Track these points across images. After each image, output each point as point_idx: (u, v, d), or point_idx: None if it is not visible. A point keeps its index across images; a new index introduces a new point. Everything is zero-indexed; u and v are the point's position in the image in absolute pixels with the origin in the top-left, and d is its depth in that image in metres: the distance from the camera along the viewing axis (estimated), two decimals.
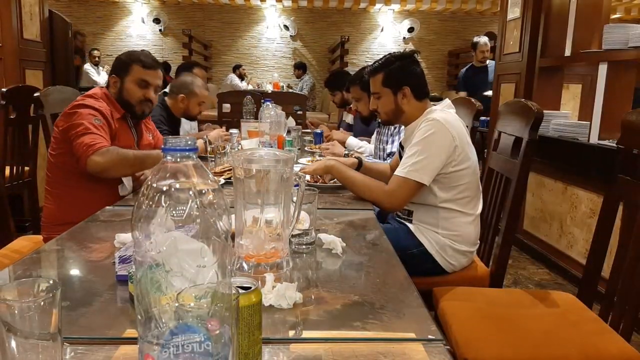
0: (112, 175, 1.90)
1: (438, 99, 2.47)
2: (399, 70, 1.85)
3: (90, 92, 2.04)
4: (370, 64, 1.99)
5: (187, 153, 0.61)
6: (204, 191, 0.61)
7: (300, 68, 8.92)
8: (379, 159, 2.79)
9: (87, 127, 1.84)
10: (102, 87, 2.13)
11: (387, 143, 2.76)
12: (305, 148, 3.17)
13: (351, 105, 3.93)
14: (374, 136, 3.08)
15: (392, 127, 2.67)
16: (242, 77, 8.76)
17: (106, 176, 1.87)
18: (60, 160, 1.95)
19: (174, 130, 3.03)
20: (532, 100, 3.39)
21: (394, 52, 1.91)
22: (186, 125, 3.44)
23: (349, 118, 4.06)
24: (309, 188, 1.26)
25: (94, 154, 1.80)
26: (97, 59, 7.87)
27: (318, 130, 3.48)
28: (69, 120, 1.88)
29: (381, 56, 1.95)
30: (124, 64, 2.06)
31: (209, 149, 2.38)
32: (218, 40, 9.40)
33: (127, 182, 1.98)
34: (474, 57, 5.70)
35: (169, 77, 6.70)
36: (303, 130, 3.56)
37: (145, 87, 2.07)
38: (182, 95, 2.92)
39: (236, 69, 8.79)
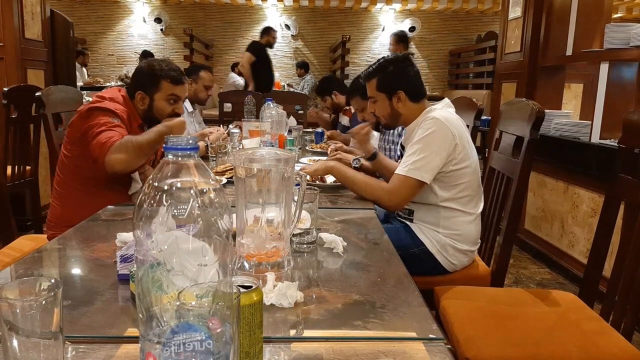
0: (134, 167, 1.82)
1: (439, 99, 2.47)
2: (393, 75, 1.85)
3: (108, 93, 1.97)
4: (370, 64, 1.99)
5: (188, 152, 0.61)
6: (205, 190, 0.61)
7: (302, 67, 8.90)
8: None
9: (102, 125, 1.79)
10: (121, 88, 2.04)
11: (393, 143, 2.76)
12: (307, 147, 3.18)
13: (347, 107, 3.96)
14: (377, 138, 3.08)
15: (400, 128, 2.67)
16: (241, 74, 8.74)
17: (129, 169, 1.80)
18: (73, 163, 1.92)
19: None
20: (534, 99, 3.38)
21: (388, 56, 1.91)
22: (191, 127, 3.43)
23: (344, 120, 4.08)
24: (310, 187, 1.26)
25: (109, 153, 1.72)
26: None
27: (319, 130, 3.49)
28: (86, 122, 1.83)
29: (379, 57, 1.95)
30: (152, 79, 1.96)
31: (209, 150, 2.39)
32: (219, 39, 9.40)
33: (137, 176, 1.97)
34: None
35: None
36: (304, 130, 3.58)
37: (175, 103, 2.01)
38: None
39: (234, 66, 8.79)
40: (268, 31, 7.02)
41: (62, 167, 1.97)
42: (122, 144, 1.74)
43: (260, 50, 6.39)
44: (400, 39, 5.55)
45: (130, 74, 2.10)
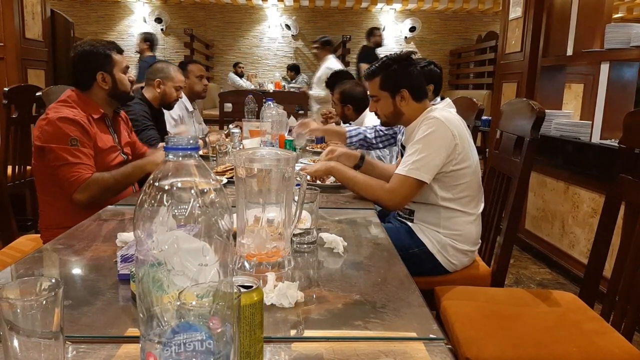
0: (100, 201, 1.82)
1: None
2: (396, 73, 1.84)
3: (63, 97, 1.94)
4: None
5: (189, 152, 0.61)
6: (205, 190, 0.61)
7: (292, 70, 8.91)
8: None
9: (63, 157, 1.78)
10: (73, 89, 1.99)
11: None
12: (307, 148, 3.18)
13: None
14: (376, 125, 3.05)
15: None
16: (240, 74, 8.75)
17: (95, 202, 1.81)
18: (41, 167, 1.88)
19: (158, 123, 2.92)
20: (534, 99, 3.40)
21: (391, 55, 1.90)
22: (191, 128, 3.42)
23: None
24: (310, 187, 1.26)
25: (76, 192, 1.77)
26: None
27: None
28: (45, 135, 1.80)
29: (381, 56, 1.94)
30: (105, 57, 1.97)
31: (209, 148, 2.39)
32: (220, 39, 9.40)
33: None
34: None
35: None
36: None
37: (127, 72, 2.05)
38: (158, 79, 2.84)
39: (234, 66, 8.80)
40: (373, 32, 7.11)
41: (35, 172, 1.94)
42: (88, 185, 1.79)
43: (373, 56, 6.37)
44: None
45: (131, 74, 2.10)
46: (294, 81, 8.87)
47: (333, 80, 4.20)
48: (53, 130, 1.79)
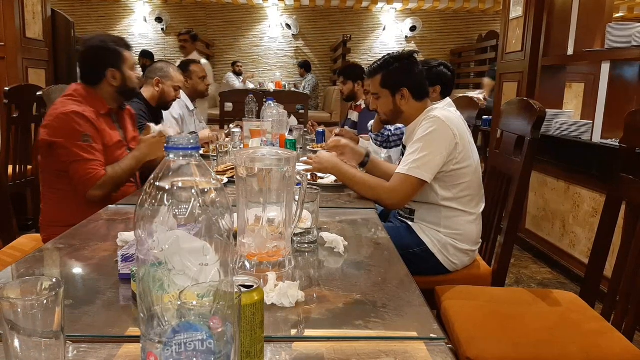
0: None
1: None
2: (397, 72, 1.84)
3: (69, 92, 1.92)
4: (371, 63, 1.98)
5: (189, 152, 0.61)
6: (206, 190, 0.61)
7: (303, 67, 8.90)
8: None
9: (76, 154, 1.78)
10: (79, 83, 1.98)
11: None
12: (308, 147, 3.18)
13: (358, 103, 3.95)
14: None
15: None
16: (239, 73, 8.74)
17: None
18: (48, 163, 1.88)
19: (155, 121, 2.85)
20: (535, 99, 3.39)
21: (393, 53, 1.90)
22: (192, 127, 3.42)
23: (354, 116, 4.06)
24: (311, 187, 1.26)
25: (92, 189, 1.80)
26: None
27: (320, 130, 3.48)
28: (53, 130, 1.79)
29: (382, 55, 1.94)
30: (115, 53, 1.96)
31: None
32: (220, 39, 9.41)
33: None
34: None
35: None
36: (304, 130, 3.58)
37: (134, 68, 2.05)
38: (157, 78, 2.82)
39: (233, 65, 8.81)
40: None
41: (41, 169, 1.94)
42: (104, 183, 1.82)
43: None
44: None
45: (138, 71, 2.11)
46: (303, 79, 8.85)
47: (349, 71, 4.20)
48: (62, 124, 1.79)
